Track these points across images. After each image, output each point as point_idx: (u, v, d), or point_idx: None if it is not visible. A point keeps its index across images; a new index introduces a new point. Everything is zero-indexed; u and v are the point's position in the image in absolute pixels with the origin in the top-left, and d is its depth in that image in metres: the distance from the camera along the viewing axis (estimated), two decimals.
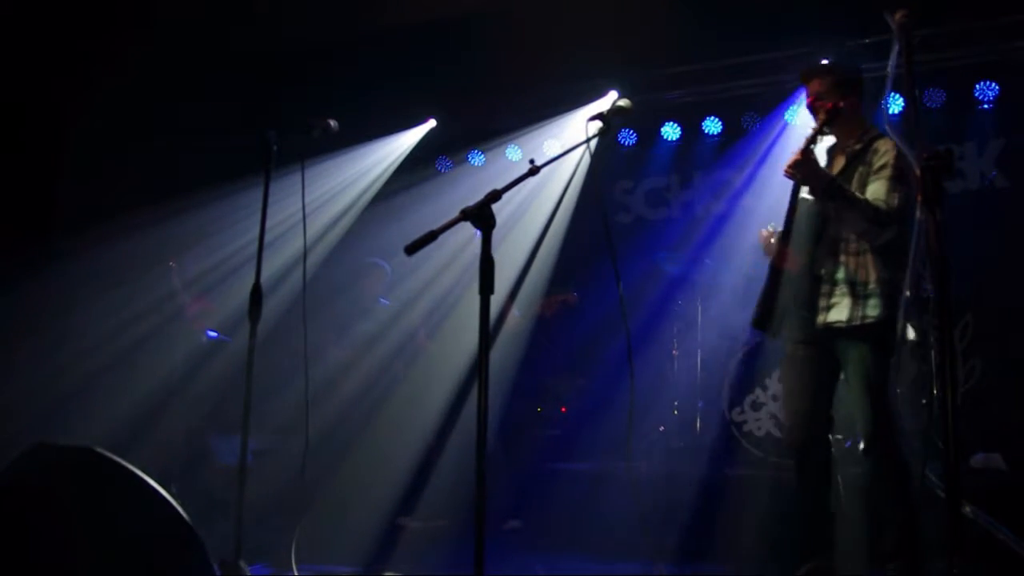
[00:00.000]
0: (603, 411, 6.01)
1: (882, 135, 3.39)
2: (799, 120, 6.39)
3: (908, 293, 2.23)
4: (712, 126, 6.73)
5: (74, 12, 6.45)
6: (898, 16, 2.12)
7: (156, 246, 6.15)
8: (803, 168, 3.30)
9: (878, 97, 6.01)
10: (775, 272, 3.53)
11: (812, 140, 3.32)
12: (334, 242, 6.72)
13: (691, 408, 5.79)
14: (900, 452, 3.27)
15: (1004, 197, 5.87)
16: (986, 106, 5.96)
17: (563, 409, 6.38)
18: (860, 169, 3.39)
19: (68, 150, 7.05)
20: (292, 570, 3.48)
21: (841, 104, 3.34)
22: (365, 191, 7.11)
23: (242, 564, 3.13)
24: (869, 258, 3.31)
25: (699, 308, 5.99)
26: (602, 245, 3.82)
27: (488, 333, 2.43)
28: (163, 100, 6.84)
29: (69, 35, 6.57)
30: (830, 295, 3.37)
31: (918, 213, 2.00)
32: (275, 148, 3.49)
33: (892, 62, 2.15)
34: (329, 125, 3.65)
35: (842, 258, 3.37)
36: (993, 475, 4.44)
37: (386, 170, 7.23)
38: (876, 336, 3.30)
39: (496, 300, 5.44)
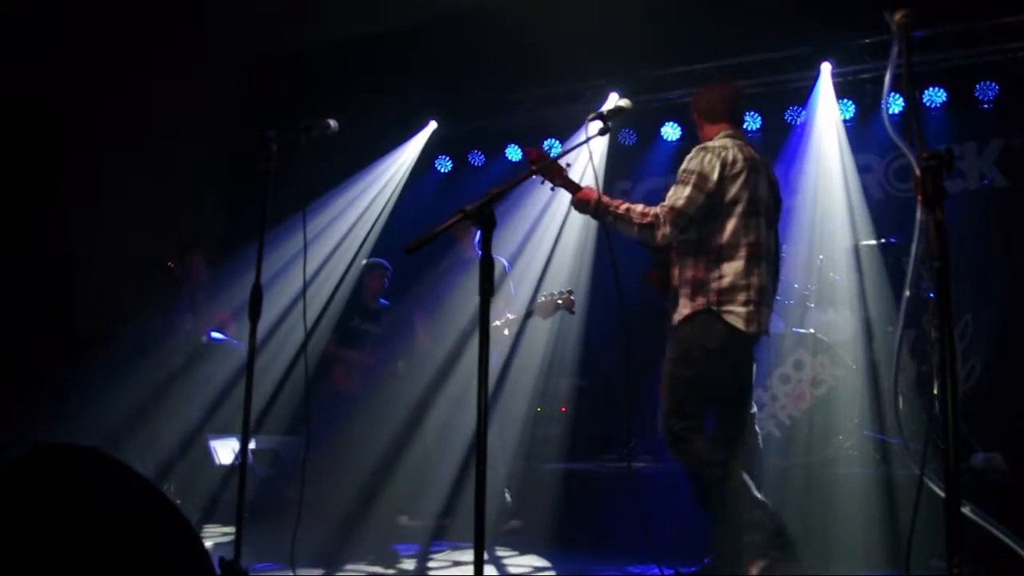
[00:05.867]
0: (603, 411, 6.02)
1: (700, 146, 3.54)
2: (799, 120, 6.41)
3: (908, 293, 2.22)
4: None
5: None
6: (898, 16, 2.12)
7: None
8: (576, 206, 3.59)
9: (878, 97, 6.06)
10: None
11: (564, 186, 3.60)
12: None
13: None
14: (688, 451, 3.36)
15: (1004, 197, 5.87)
16: (986, 106, 5.96)
17: (563, 409, 6.38)
18: None
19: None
20: (291, 570, 3.48)
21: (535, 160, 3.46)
22: (376, 220, 7.15)
23: (242, 564, 3.13)
24: (681, 261, 3.50)
25: None
26: (601, 245, 3.82)
27: (488, 333, 2.43)
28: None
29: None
30: None
31: (918, 213, 1.99)
32: (275, 148, 3.48)
33: (892, 62, 2.15)
34: (329, 125, 3.65)
35: (673, 266, 3.56)
36: (993, 475, 4.44)
37: (394, 192, 7.27)
38: (675, 335, 3.46)
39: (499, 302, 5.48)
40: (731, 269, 3.37)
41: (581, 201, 3.56)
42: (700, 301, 3.39)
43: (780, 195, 3.73)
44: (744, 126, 4.19)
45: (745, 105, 3.85)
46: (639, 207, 3.46)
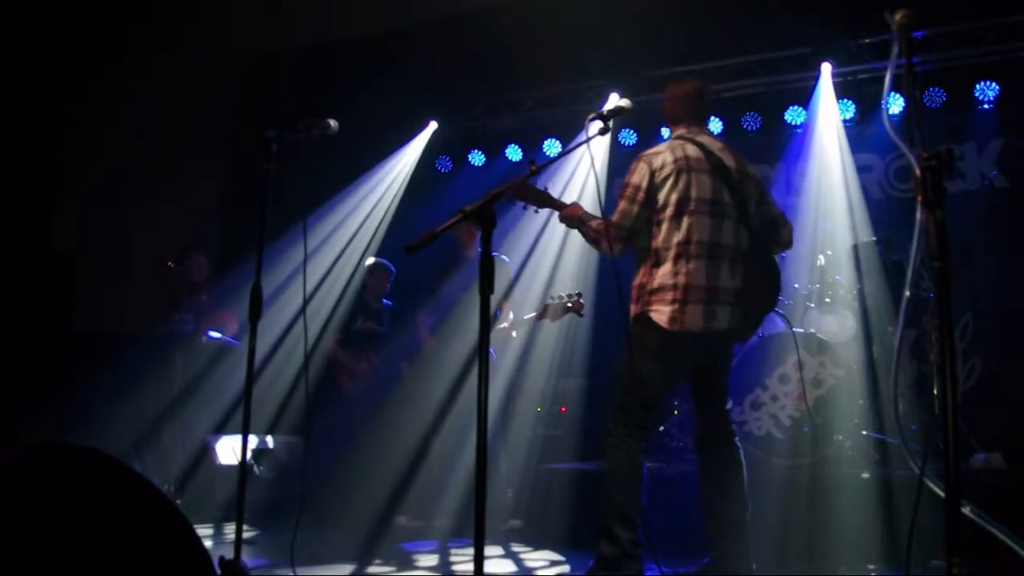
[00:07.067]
0: (603, 411, 6.01)
1: (639, 155, 3.60)
2: (799, 120, 6.40)
3: (908, 293, 2.21)
4: (712, 126, 6.72)
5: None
6: (898, 16, 2.12)
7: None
8: (564, 221, 3.71)
9: (878, 97, 6.06)
10: None
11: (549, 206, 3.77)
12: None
13: (691, 408, 5.79)
14: (611, 445, 3.49)
15: (1004, 197, 5.87)
16: (986, 106, 5.96)
17: (563, 409, 6.38)
18: None
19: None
20: (292, 569, 3.48)
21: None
22: (380, 221, 7.18)
23: (242, 563, 3.13)
24: (635, 269, 3.60)
25: None
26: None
27: (488, 332, 2.43)
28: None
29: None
30: None
31: (918, 213, 1.99)
32: (275, 148, 3.48)
33: (892, 62, 2.15)
34: (329, 125, 3.65)
35: None
36: (993, 475, 4.43)
37: (397, 193, 7.28)
38: (630, 334, 3.52)
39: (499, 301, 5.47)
40: (662, 271, 3.46)
41: (566, 217, 3.70)
42: (638, 305, 3.51)
43: (760, 189, 3.72)
44: (709, 123, 4.04)
45: (708, 101, 3.82)
46: (595, 223, 3.56)
